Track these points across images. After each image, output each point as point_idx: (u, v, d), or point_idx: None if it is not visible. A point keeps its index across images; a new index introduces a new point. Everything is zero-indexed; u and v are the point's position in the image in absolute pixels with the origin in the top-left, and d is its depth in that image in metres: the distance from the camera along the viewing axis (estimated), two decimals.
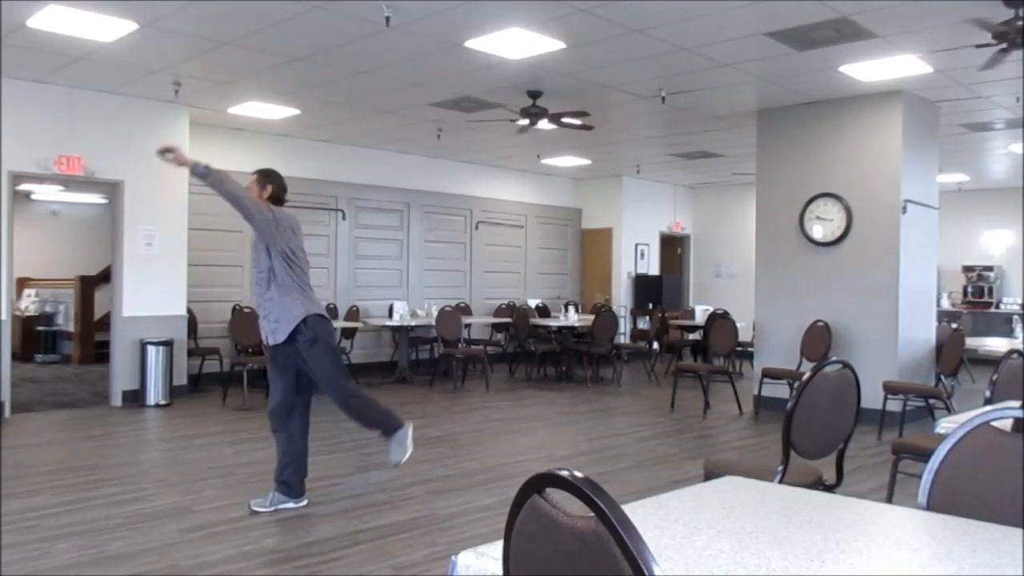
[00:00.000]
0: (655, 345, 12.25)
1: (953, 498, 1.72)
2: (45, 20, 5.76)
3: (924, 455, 2.95)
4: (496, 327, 11.90)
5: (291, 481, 4.53)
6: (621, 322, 11.95)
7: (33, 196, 12.98)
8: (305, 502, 4.55)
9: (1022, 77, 6.64)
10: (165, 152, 4.27)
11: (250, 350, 8.49)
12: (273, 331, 4.45)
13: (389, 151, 11.23)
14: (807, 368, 4.02)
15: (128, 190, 8.12)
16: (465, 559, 1.34)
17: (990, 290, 13.49)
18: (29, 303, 12.26)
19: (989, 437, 1.76)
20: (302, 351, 4.43)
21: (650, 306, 13.12)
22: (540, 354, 10.80)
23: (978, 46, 5.29)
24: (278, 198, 4.58)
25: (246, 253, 9.89)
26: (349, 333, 10.27)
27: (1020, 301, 13.17)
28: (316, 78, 7.33)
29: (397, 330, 10.41)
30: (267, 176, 4.59)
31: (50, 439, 6.61)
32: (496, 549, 1.27)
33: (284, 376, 4.52)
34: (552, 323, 10.83)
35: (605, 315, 10.20)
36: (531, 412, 8.19)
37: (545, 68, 6.85)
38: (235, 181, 4.32)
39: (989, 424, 1.77)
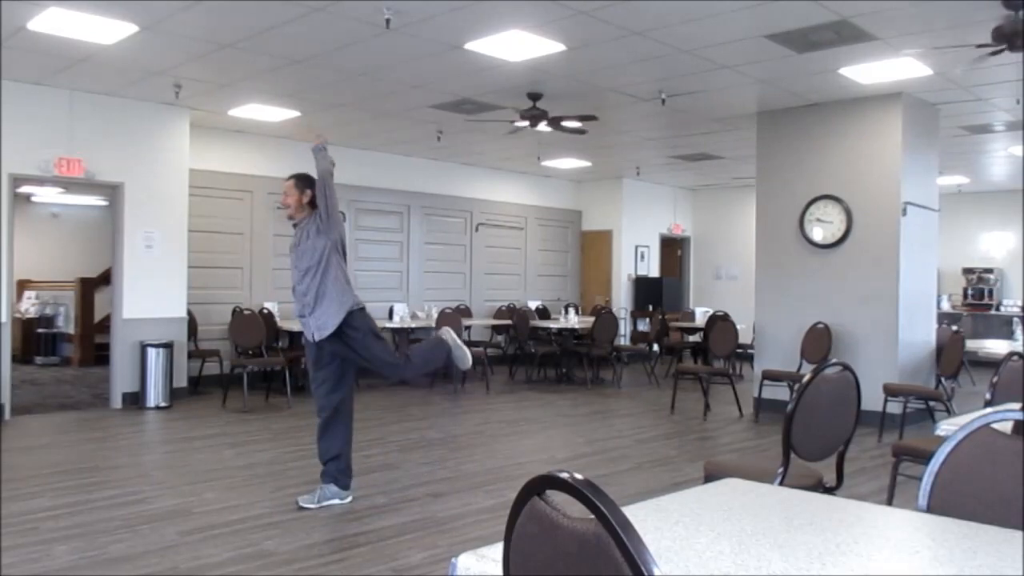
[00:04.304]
0: (655, 347, 12.26)
1: (953, 500, 1.72)
2: (45, 22, 5.76)
3: (924, 457, 2.95)
4: (496, 329, 11.89)
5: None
6: (621, 324, 11.94)
7: (33, 198, 12.97)
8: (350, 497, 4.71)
9: (1022, 79, 6.64)
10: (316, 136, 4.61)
11: (250, 352, 8.49)
12: (320, 327, 4.51)
13: (389, 153, 11.23)
14: (807, 370, 4.01)
15: (128, 192, 8.12)
16: (465, 561, 1.34)
17: (990, 292, 13.49)
18: (29, 305, 12.25)
19: (989, 439, 1.76)
20: (352, 342, 4.51)
21: (650, 308, 13.12)
22: (540, 356, 10.80)
23: (978, 47, 5.29)
24: (314, 203, 4.62)
25: (246, 255, 9.91)
26: None
27: (1020, 303, 13.17)
28: (316, 80, 7.33)
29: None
30: (307, 182, 4.62)
31: (50, 441, 6.60)
32: (496, 551, 1.27)
33: (326, 370, 4.60)
34: (552, 325, 10.82)
35: (605, 317, 10.20)
36: (531, 414, 8.18)
37: (545, 70, 6.85)
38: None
39: (989, 426, 1.77)
